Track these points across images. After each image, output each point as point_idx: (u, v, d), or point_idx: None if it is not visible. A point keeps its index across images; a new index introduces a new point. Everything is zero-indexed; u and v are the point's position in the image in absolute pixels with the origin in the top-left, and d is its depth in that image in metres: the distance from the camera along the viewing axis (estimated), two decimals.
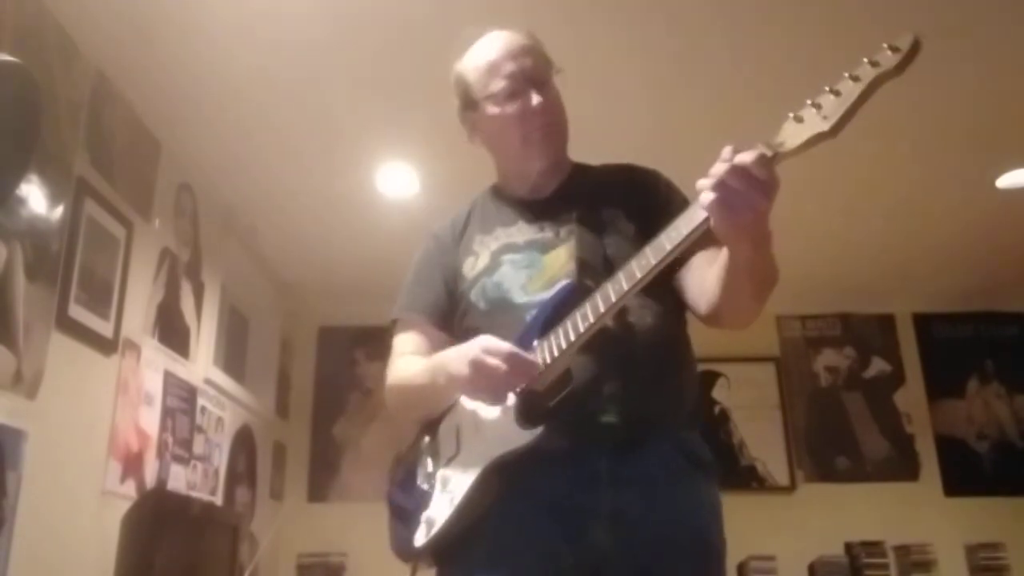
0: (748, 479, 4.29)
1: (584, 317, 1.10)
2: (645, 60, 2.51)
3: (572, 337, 1.10)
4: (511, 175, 1.41)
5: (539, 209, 1.35)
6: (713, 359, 4.44)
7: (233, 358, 3.80)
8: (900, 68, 0.90)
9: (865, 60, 0.91)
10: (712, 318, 1.21)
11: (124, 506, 2.37)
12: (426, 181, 3.16)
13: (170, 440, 2.79)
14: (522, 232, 1.33)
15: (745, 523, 3.99)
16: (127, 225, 2.53)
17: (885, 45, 0.91)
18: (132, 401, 2.53)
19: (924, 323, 4.55)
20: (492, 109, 1.34)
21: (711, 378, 4.46)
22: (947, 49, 2.43)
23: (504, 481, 1.14)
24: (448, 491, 1.20)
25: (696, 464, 1.21)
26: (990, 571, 3.96)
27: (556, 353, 1.12)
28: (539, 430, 1.09)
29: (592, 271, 1.21)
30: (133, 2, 2.19)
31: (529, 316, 1.20)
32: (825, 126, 0.92)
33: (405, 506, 1.28)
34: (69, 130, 2.24)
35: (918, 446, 4.33)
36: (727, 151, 0.97)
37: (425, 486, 1.26)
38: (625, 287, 1.06)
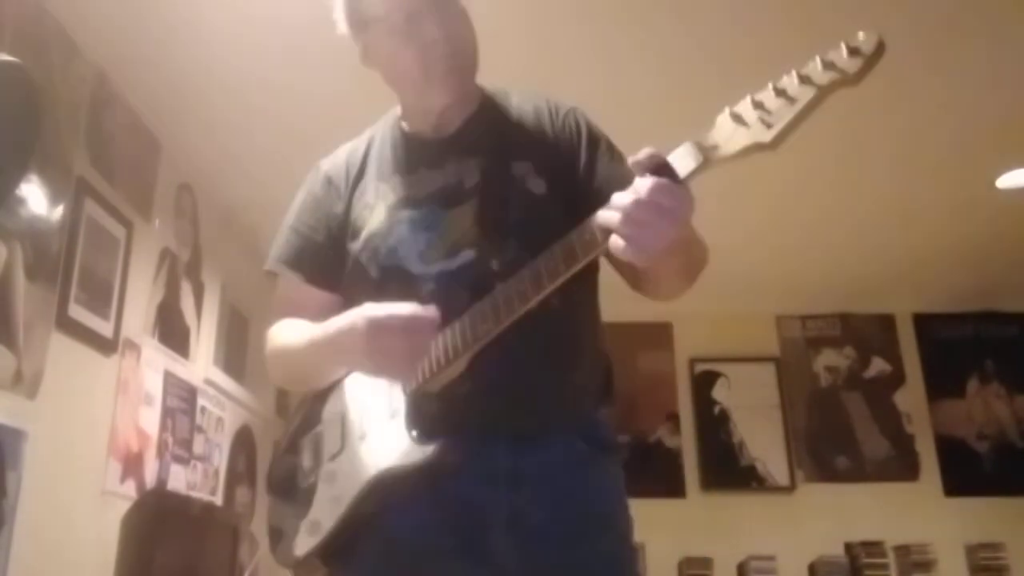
0: (748, 479, 4.29)
1: (484, 318, 1.00)
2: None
3: (470, 339, 1.01)
4: (412, 110, 1.24)
5: (443, 149, 1.19)
6: (713, 359, 4.45)
7: (233, 358, 3.79)
8: (859, 77, 0.76)
9: (817, 59, 0.77)
10: (645, 295, 1.15)
11: (124, 506, 2.37)
12: None
13: (170, 440, 2.79)
14: (423, 182, 1.17)
15: (745, 523, 4.08)
16: (127, 225, 2.53)
17: (843, 45, 0.76)
18: (132, 401, 2.53)
19: (924, 323, 4.55)
20: (385, 36, 1.17)
21: (711, 378, 4.47)
22: (948, 48, 2.43)
23: (395, 491, 1.05)
24: (332, 495, 1.09)
25: (599, 447, 1.13)
26: (990, 571, 3.96)
27: (452, 356, 1.02)
28: (432, 447, 1.01)
29: (497, 243, 1.09)
30: (133, 3, 2.19)
31: (426, 290, 1.10)
32: (766, 137, 0.80)
33: (284, 502, 1.18)
34: (69, 130, 2.24)
35: (918, 446, 4.33)
36: (642, 154, 0.88)
37: (306, 482, 1.14)
38: (530, 293, 0.97)
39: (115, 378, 2.43)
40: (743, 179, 2.92)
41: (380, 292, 1.11)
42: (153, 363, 2.69)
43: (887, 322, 4.57)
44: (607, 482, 1.14)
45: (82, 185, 2.28)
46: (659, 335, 4.41)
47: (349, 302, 1.13)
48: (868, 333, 4.56)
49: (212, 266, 3.25)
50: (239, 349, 3.93)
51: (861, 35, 0.76)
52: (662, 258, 0.92)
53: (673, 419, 4.37)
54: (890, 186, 3.29)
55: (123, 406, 2.46)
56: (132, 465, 2.50)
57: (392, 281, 1.13)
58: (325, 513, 1.09)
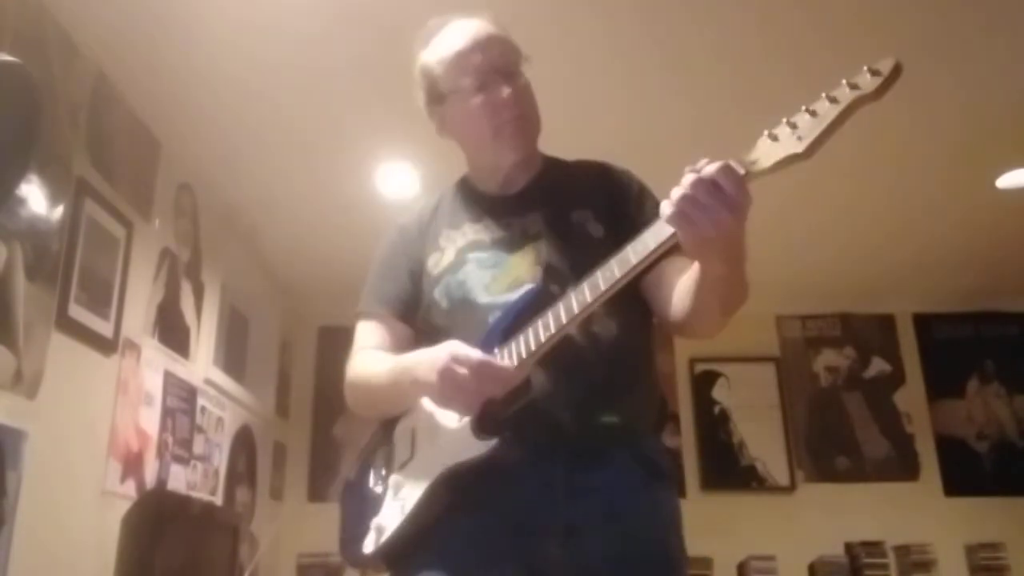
0: (748, 479, 4.29)
1: (546, 327, 1.08)
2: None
3: (533, 347, 1.08)
4: (482, 169, 1.38)
5: (508, 206, 1.32)
6: (713, 359, 4.45)
7: (233, 358, 3.80)
8: (879, 92, 0.87)
9: (844, 82, 0.89)
10: (677, 328, 1.20)
11: (124, 506, 2.37)
12: (426, 181, 3.16)
13: (170, 440, 2.79)
14: (489, 230, 1.30)
15: (745, 523, 4.08)
16: (127, 225, 2.53)
17: (865, 68, 0.88)
18: (132, 401, 2.53)
19: (924, 323, 4.55)
20: (461, 103, 1.30)
21: (711, 378, 4.47)
22: (947, 50, 2.43)
23: (456, 492, 1.12)
24: (399, 498, 1.18)
25: (654, 474, 1.19)
26: (990, 571, 3.96)
27: (516, 362, 1.09)
28: (494, 442, 1.08)
29: (557, 276, 1.19)
30: (133, 2, 2.19)
31: (492, 318, 1.18)
32: (799, 147, 0.90)
33: (356, 509, 1.26)
34: (69, 130, 2.24)
35: (918, 446, 4.34)
36: (700, 163, 0.94)
37: (378, 489, 1.24)
38: (588, 298, 1.04)
39: (115, 378, 2.43)
40: None
41: (450, 320, 1.24)
42: (153, 363, 2.69)
43: (887, 322, 4.57)
44: (660, 510, 1.19)
45: (82, 185, 2.28)
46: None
47: (424, 334, 1.26)
48: (868, 333, 4.57)
49: (212, 266, 3.25)
50: (239, 349, 3.94)
51: (881, 61, 0.88)
52: (717, 267, 1.00)
53: (673, 419, 4.37)
54: (890, 186, 3.30)
55: (123, 406, 2.46)
56: (132, 465, 2.50)
57: (460, 310, 1.24)
58: (393, 514, 1.18)
